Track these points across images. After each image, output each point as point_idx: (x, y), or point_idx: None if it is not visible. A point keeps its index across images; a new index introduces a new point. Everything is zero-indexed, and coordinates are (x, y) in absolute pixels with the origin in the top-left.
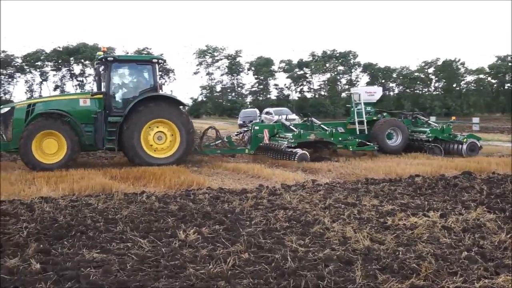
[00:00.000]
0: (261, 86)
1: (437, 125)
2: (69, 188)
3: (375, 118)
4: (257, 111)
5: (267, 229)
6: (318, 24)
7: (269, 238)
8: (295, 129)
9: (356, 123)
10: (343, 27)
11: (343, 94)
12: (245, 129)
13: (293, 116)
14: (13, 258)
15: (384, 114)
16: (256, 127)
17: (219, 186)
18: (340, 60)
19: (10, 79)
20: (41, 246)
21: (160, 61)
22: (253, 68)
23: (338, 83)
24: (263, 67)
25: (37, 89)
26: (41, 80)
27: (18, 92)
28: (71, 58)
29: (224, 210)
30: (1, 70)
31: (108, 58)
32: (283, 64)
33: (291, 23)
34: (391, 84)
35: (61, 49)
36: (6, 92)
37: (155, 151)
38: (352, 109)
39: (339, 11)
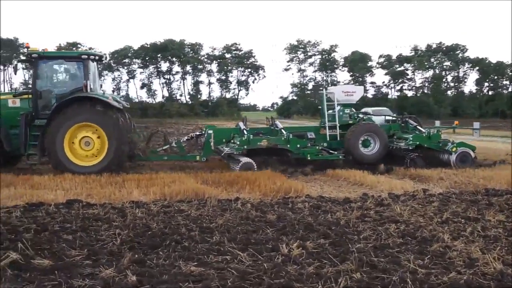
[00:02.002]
0: (357, 84)
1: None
2: (160, 192)
3: (351, 122)
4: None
5: (378, 245)
6: (422, 15)
7: (382, 256)
8: (245, 134)
9: (327, 127)
10: (450, 18)
11: (448, 92)
12: (198, 133)
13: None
14: (109, 268)
15: (365, 117)
16: (210, 131)
17: (318, 194)
18: (446, 55)
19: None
20: (136, 256)
21: (93, 57)
22: (348, 64)
23: (444, 80)
24: (358, 62)
25: (124, 87)
26: (128, 78)
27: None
28: (158, 55)
29: (328, 221)
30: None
31: (33, 55)
32: (381, 60)
33: (389, 14)
34: (504, 82)
35: (148, 46)
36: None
37: (86, 157)
38: (321, 111)
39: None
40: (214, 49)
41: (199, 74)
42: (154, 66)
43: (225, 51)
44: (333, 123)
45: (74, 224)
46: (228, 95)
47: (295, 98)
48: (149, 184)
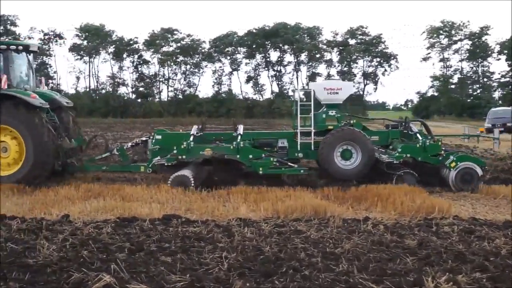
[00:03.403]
0: None
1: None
2: (272, 208)
3: (331, 126)
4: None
5: None
6: None
7: None
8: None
9: (298, 134)
10: None
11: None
12: (144, 138)
13: None
14: None
15: (352, 121)
16: (158, 136)
17: (470, 215)
18: None
19: (195, 69)
20: (247, 284)
21: (15, 47)
22: (505, 52)
23: None
24: None
25: (226, 80)
26: (231, 69)
27: (204, 84)
28: (267, 42)
29: (484, 250)
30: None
31: None
32: None
33: None
34: None
35: (255, 31)
36: (191, 84)
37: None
38: (294, 113)
39: None
40: (336, 34)
41: (316, 64)
42: (262, 55)
43: (348, 36)
44: (308, 128)
45: (173, 244)
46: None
47: (435, 94)
48: (258, 198)
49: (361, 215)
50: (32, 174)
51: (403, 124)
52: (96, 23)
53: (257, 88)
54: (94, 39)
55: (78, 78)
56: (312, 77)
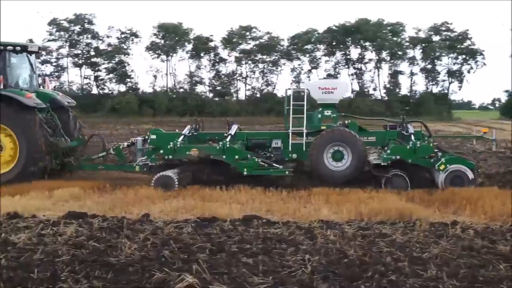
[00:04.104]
0: None
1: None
2: (356, 210)
3: (323, 127)
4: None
5: None
6: None
7: None
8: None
9: (290, 134)
10: None
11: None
12: (140, 138)
13: None
14: None
15: (347, 121)
16: (153, 136)
17: None
18: None
19: (273, 67)
20: None
21: (12, 47)
22: None
23: None
24: None
25: (305, 79)
26: (310, 67)
27: (282, 81)
28: (348, 39)
29: None
30: None
31: None
32: None
33: None
34: None
35: (336, 28)
36: (269, 82)
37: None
38: (286, 113)
39: None
40: (419, 30)
41: (398, 62)
42: (342, 53)
43: (432, 33)
44: (300, 128)
45: (254, 245)
46: (435, 89)
47: None
48: (340, 200)
49: (449, 219)
50: (25, 173)
51: (400, 124)
52: (174, 21)
53: None
54: (171, 38)
55: (155, 77)
56: (394, 75)
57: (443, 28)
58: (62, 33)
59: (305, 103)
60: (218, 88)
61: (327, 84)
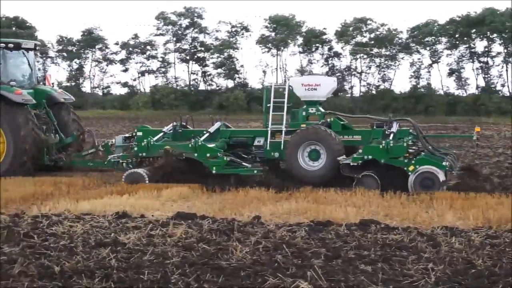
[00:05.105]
0: None
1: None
2: (483, 217)
3: (303, 125)
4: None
5: None
6: None
7: None
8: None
9: (269, 132)
10: None
11: None
12: (127, 135)
13: None
14: None
15: (332, 119)
16: (140, 133)
17: None
18: None
19: (391, 61)
20: None
21: (4, 45)
22: None
23: None
24: None
25: (425, 74)
26: (431, 62)
27: (400, 78)
28: (472, 31)
29: None
30: None
31: None
32: None
33: None
34: None
35: (459, 19)
36: (386, 78)
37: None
38: (264, 110)
39: None
40: None
41: None
42: (466, 46)
43: None
44: (280, 126)
45: (372, 252)
46: None
47: None
48: (466, 205)
49: None
50: (12, 168)
51: (387, 122)
52: (286, 13)
53: (460, 83)
54: (282, 31)
55: (264, 72)
56: None
57: None
58: (170, 27)
59: (285, 100)
60: None
61: (310, 80)
